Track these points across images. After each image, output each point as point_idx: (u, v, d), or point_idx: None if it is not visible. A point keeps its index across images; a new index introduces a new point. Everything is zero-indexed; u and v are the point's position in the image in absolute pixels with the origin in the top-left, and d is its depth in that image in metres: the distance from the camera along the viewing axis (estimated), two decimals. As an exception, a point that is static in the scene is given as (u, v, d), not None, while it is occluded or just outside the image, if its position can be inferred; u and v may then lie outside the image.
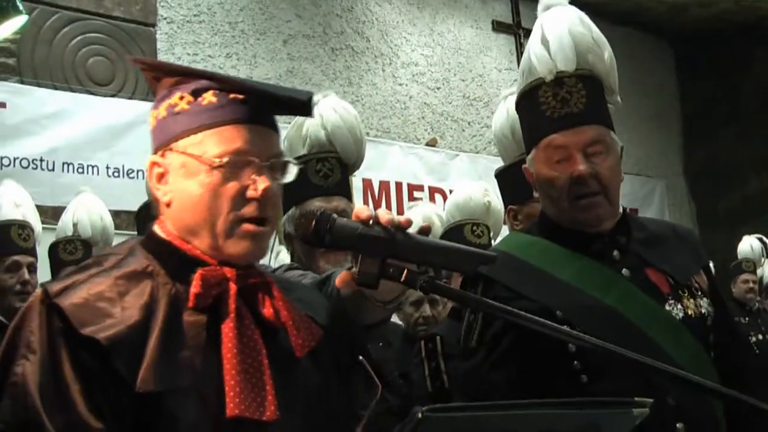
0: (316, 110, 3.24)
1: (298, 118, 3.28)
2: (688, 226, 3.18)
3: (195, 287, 1.86)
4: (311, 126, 3.23)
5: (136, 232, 4.19)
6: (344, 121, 3.38)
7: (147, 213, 4.12)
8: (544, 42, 2.71)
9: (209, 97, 1.89)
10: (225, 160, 1.85)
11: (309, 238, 1.90)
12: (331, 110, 3.35)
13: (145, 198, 4.25)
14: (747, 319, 8.38)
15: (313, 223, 1.88)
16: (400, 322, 6.43)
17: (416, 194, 9.30)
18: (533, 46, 2.73)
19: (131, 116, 7.34)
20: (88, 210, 5.78)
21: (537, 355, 2.45)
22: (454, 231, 4.66)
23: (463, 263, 1.87)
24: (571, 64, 2.67)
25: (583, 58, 2.70)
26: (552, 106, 2.60)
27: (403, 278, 1.84)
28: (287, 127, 3.32)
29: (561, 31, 2.73)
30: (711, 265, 2.95)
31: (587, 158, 2.56)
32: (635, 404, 1.57)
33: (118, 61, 7.47)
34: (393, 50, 9.71)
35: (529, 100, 2.69)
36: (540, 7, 2.88)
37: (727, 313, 2.85)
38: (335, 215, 1.91)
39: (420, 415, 1.35)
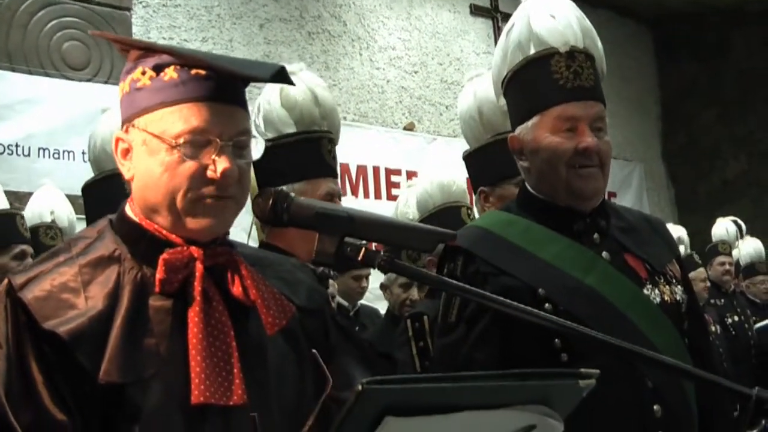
0: (304, 85, 3.24)
1: (282, 86, 3.24)
2: (659, 217, 3.19)
3: (159, 273, 1.84)
4: (303, 101, 3.20)
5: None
6: (332, 100, 3.38)
7: (93, 191, 3.96)
8: (552, 17, 2.73)
9: (171, 73, 1.85)
10: (183, 139, 1.82)
11: (267, 216, 1.89)
12: (321, 88, 3.33)
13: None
14: (723, 300, 8.40)
15: (271, 202, 1.87)
16: (377, 306, 6.48)
17: (394, 178, 9.29)
18: (538, 19, 2.74)
19: (107, 101, 7.29)
20: (61, 203, 5.79)
21: (517, 332, 2.45)
22: (448, 212, 4.56)
23: (422, 241, 1.86)
24: (581, 41, 2.70)
25: (585, 39, 2.73)
26: (565, 76, 2.61)
27: (361, 257, 1.82)
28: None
29: (566, 10, 2.77)
30: (689, 248, 2.99)
31: (592, 132, 2.59)
32: (581, 375, 1.56)
33: (94, 45, 7.42)
34: (370, 34, 9.69)
35: (538, 68, 2.68)
36: None
37: (697, 302, 2.89)
38: (293, 194, 1.90)
39: (360, 387, 1.35)
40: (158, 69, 1.86)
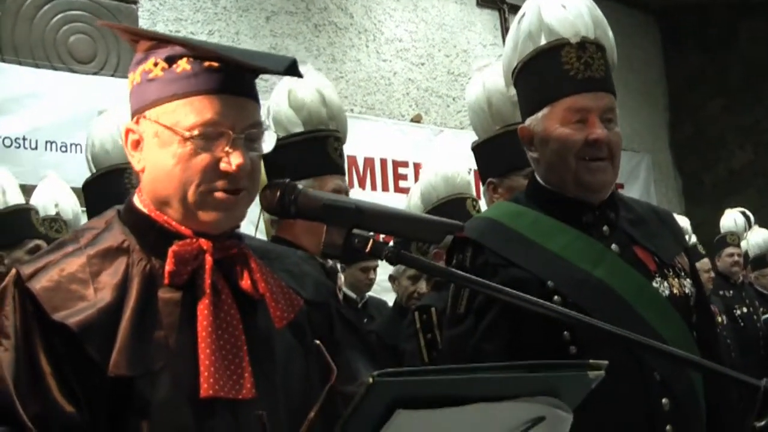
0: (312, 86, 3.27)
1: (290, 87, 3.27)
2: (666, 207, 3.19)
3: (169, 265, 1.84)
4: (311, 102, 3.24)
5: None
6: (339, 101, 3.42)
7: (93, 188, 4.01)
8: (563, 7, 2.72)
9: (183, 65, 1.84)
10: (197, 132, 1.81)
11: (274, 208, 1.89)
12: (329, 89, 3.36)
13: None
14: (731, 292, 8.38)
15: (278, 193, 1.87)
16: (385, 297, 6.49)
17: (401, 170, 9.29)
18: (549, 10, 2.73)
19: (113, 94, 7.30)
20: (66, 194, 5.79)
21: (526, 324, 2.45)
22: (454, 204, 4.58)
23: (429, 233, 1.86)
24: (591, 31, 2.69)
25: (596, 30, 2.72)
26: (576, 67, 2.61)
27: (368, 249, 1.81)
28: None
29: (577, 0, 2.76)
30: (695, 239, 2.98)
31: (603, 124, 2.58)
32: (590, 366, 1.56)
33: (100, 38, 7.42)
34: (377, 26, 9.67)
35: (548, 59, 2.68)
36: None
37: (705, 294, 2.89)
38: (300, 186, 1.90)
39: (371, 380, 1.34)
40: (171, 60, 1.85)
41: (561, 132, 2.58)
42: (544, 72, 2.69)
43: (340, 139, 3.29)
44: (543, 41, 2.72)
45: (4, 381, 1.71)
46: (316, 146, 3.20)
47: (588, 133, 2.56)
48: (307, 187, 2.87)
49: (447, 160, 4.93)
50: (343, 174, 3.25)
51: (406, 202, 5.64)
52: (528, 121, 2.70)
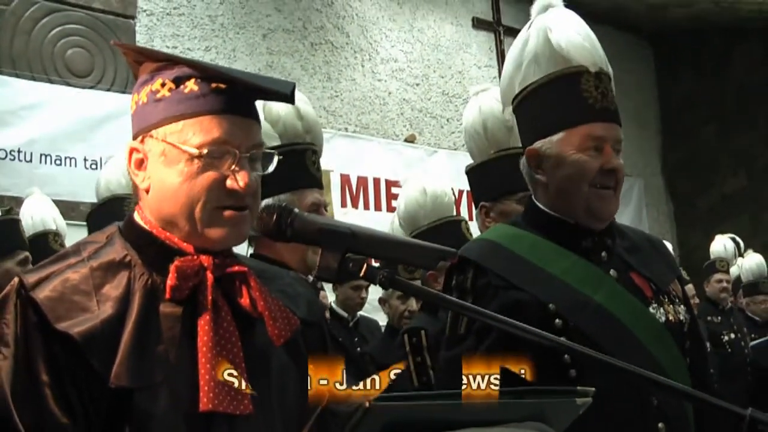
0: None
1: (265, 101, 3.30)
2: (658, 231, 3.21)
3: (171, 280, 1.85)
4: (286, 115, 3.26)
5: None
6: (314, 114, 3.44)
7: (98, 215, 4.13)
8: (578, 35, 2.71)
9: (191, 86, 1.87)
10: (205, 150, 1.84)
11: (270, 231, 1.91)
12: (303, 102, 3.38)
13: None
14: (720, 318, 8.36)
15: (275, 217, 1.89)
16: (376, 317, 6.50)
17: (394, 190, 9.29)
18: (562, 35, 2.71)
19: (109, 108, 7.34)
20: (56, 210, 5.82)
21: (528, 346, 2.45)
22: (450, 226, 4.56)
23: (422, 258, 1.88)
24: (604, 63, 2.70)
25: (605, 60, 2.73)
26: (594, 96, 2.62)
27: (362, 273, 1.84)
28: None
29: (587, 29, 2.76)
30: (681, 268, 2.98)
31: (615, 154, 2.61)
32: (578, 393, 1.58)
33: (97, 52, 7.46)
34: (372, 46, 9.71)
35: (567, 84, 2.66)
36: (538, 6, 2.86)
37: (697, 322, 2.89)
38: (296, 209, 1.92)
39: (367, 405, 1.37)
40: (178, 81, 1.88)
41: (578, 158, 2.59)
42: (562, 96, 2.67)
43: (317, 152, 3.30)
44: (552, 65, 2.71)
45: (2, 390, 1.72)
46: (294, 160, 3.19)
47: (604, 162, 2.57)
48: (285, 201, 2.91)
49: (433, 178, 4.92)
50: (321, 187, 3.25)
51: (390, 222, 5.65)
52: (539, 143, 2.68)
